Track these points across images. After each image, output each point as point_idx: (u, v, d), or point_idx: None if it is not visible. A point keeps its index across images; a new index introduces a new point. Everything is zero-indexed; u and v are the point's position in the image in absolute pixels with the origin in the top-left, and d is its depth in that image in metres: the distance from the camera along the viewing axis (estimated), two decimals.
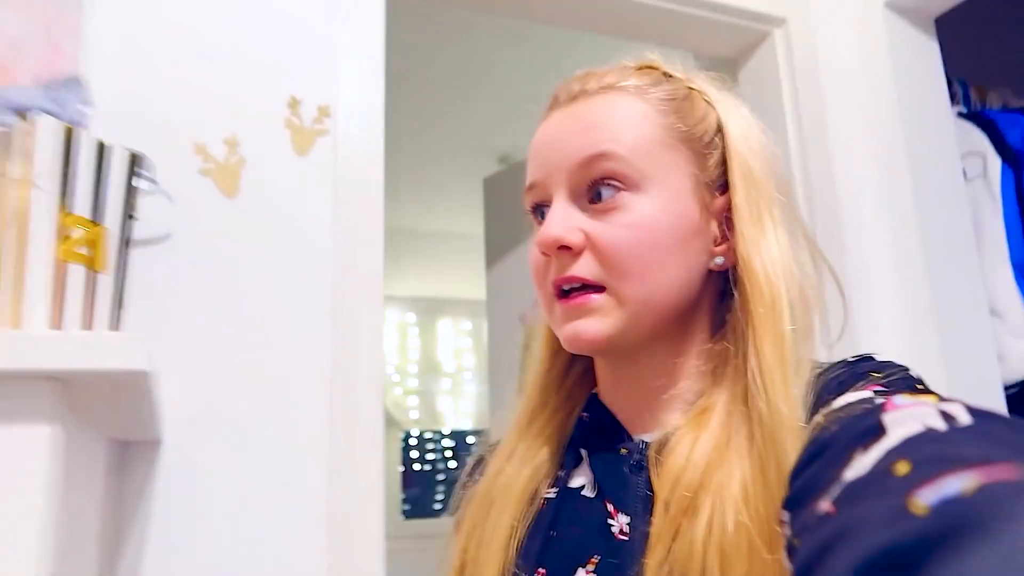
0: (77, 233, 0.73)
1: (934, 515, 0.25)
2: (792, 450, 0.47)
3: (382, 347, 1.23)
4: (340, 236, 1.22)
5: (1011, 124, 1.56)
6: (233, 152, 1.21)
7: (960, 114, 1.66)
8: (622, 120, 0.56)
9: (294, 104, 1.26)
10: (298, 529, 1.11)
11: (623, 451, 0.59)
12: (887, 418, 0.37)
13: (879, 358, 0.52)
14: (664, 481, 0.52)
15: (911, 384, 0.47)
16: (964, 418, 0.34)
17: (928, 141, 1.53)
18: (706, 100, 0.59)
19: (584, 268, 0.55)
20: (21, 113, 0.79)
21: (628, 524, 0.56)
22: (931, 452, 0.31)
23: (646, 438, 0.58)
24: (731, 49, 1.69)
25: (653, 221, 0.54)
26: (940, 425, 0.34)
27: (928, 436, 0.33)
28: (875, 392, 0.45)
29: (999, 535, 0.22)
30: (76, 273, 0.72)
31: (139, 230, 0.84)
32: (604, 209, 0.55)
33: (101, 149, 0.76)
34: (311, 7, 1.30)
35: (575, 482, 0.61)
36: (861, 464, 0.34)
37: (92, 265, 0.74)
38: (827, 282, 0.59)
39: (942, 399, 0.38)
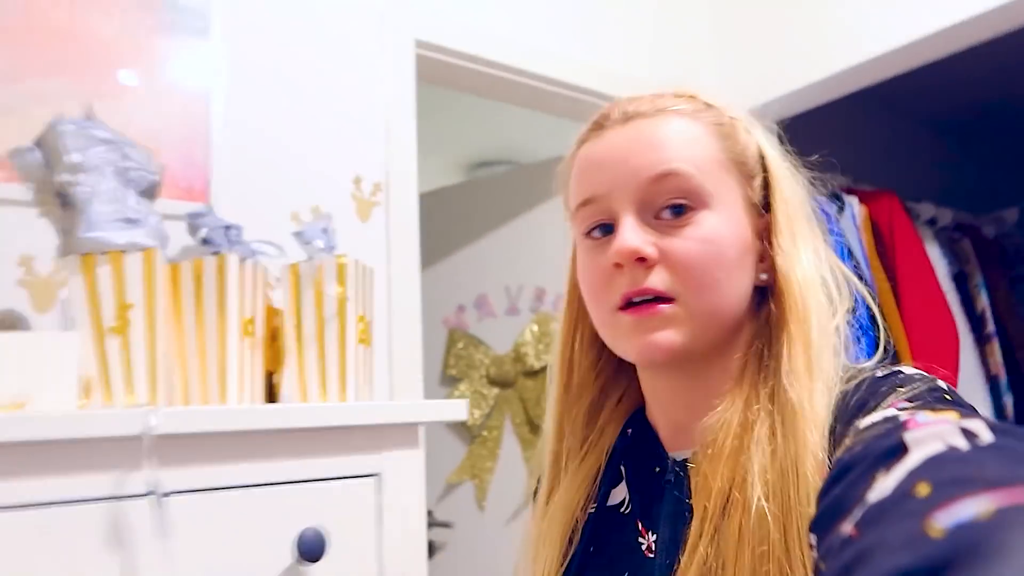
0: (360, 326, 1.18)
1: (949, 539, 0.25)
2: (812, 443, 0.49)
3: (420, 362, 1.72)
4: (392, 280, 1.68)
5: None
6: (317, 218, 1.60)
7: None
8: (685, 140, 0.58)
9: (357, 181, 1.67)
10: None
11: (657, 470, 0.61)
12: (909, 437, 0.36)
13: (907, 371, 0.51)
14: (698, 492, 0.54)
15: (938, 397, 0.47)
16: (986, 436, 0.34)
17: None
18: (746, 128, 0.62)
19: (658, 280, 0.56)
20: (305, 242, 1.18)
21: (655, 542, 0.58)
22: (952, 473, 0.31)
23: (680, 456, 0.60)
24: None
25: (721, 236, 0.56)
26: (962, 444, 0.34)
27: (949, 456, 0.33)
28: (899, 409, 0.44)
29: (1010, 562, 0.22)
30: (362, 351, 1.17)
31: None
32: (676, 224, 0.56)
33: (364, 269, 1.20)
34: (368, 110, 1.70)
35: (614, 499, 0.63)
36: (884, 486, 0.34)
37: (366, 343, 1.19)
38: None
39: (964, 415, 0.38)
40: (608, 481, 0.64)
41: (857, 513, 0.34)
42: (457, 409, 1.05)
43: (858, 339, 2.24)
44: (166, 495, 0.77)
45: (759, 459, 0.51)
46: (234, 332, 1.02)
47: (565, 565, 0.62)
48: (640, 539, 0.59)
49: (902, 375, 0.51)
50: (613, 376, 0.68)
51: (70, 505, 0.76)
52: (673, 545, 0.54)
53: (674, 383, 0.61)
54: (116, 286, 0.97)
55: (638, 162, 0.57)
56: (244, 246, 1.15)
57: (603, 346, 0.65)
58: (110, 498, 0.77)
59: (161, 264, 0.99)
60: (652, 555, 0.57)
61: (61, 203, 0.98)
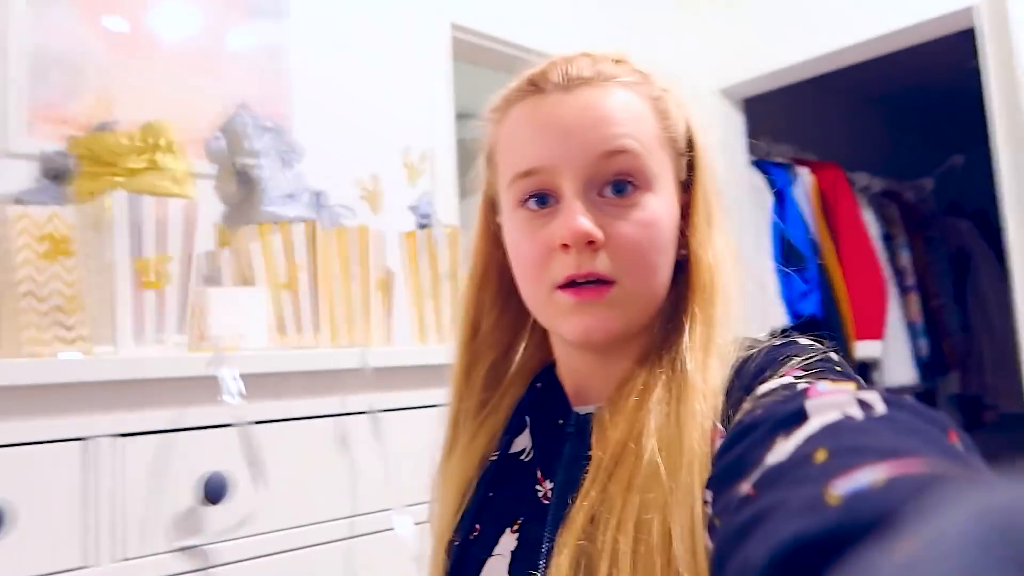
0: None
1: (845, 506, 0.27)
2: (700, 413, 0.51)
3: None
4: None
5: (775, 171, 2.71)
6: (376, 185, 1.83)
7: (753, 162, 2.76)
8: (634, 116, 0.56)
9: (407, 151, 1.90)
10: None
11: (560, 422, 0.61)
12: (809, 404, 0.37)
13: (802, 341, 0.52)
14: (598, 446, 0.55)
15: (830, 367, 0.48)
16: (880, 407, 0.36)
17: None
18: (677, 103, 0.60)
19: (603, 264, 0.54)
20: (421, 214, 1.42)
21: (552, 490, 0.58)
22: (848, 441, 0.32)
23: (584, 410, 0.60)
24: None
25: (660, 220, 0.55)
26: (858, 414, 0.35)
27: (846, 425, 0.35)
28: (795, 377, 0.46)
29: (896, 529, 0.23)
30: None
31: None
32: (620, 205, 0.55)
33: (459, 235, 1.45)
34: (416, 86, 1.92)
35: (516, 447, 0.63)
36: (783, 449, 0.35)
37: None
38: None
39: (860, 387, 0.39)
40: (512, 430, 0.64)
41: (756, 474, 0.35)
42: None
43: (806, 294, 2.64)
44: (380, 412, 1.03)
45: (656, 417, 0.52)
46: (372, 286, 1.26)
47: (464, 508, 0.63)
48: (537, 486, 0.59)
49: (797, 345, 0.51)
50: (516, 339, 0.67)
51: (310, 420, 1.01)
52: (568, 491, 0.54)
53: (586, 355, 0.61)
54: (286, 250, 1.20)
55: (588, 137, 0.54)
56: (330, 210, 1.36)
57: (506, 308, 0.65)
58: (338, 415, 1.03)
59: (322, 229, 1.22)
60: (547, 501, 0.58)
61: (239, 181, 1.19)
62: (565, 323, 0.56)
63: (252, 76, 1.63)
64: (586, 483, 0.53)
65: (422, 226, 1.39)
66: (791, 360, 0.49)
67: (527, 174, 0.56)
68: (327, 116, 1.74)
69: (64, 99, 1.36)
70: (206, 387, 0.90)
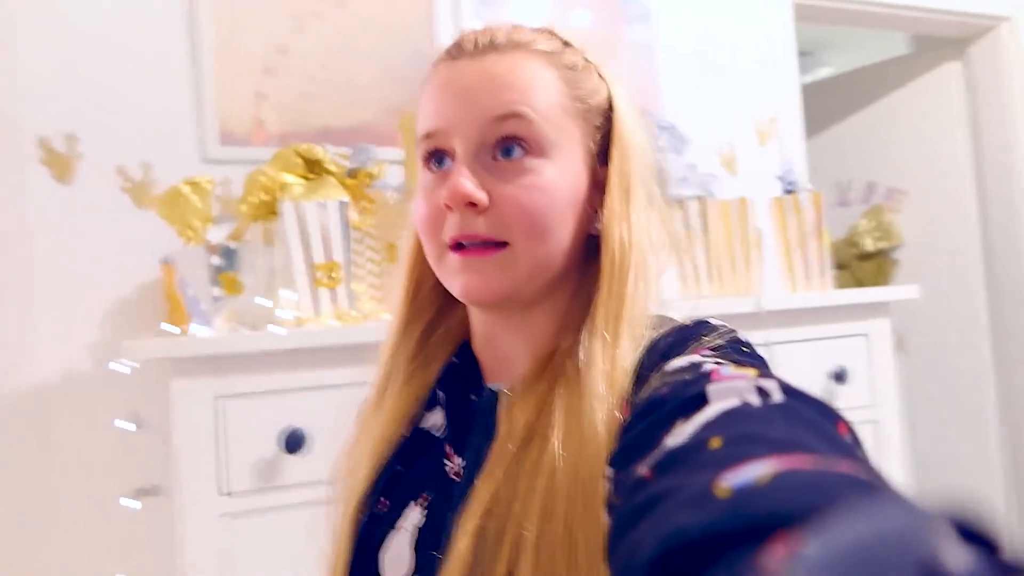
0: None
1: (731, 502, 0.27)
2: (601, 395, 0.51)
3: None
4: None
5: None
6: (732, 150, 2.13)
7: None
8: (534, 84, 0.56)
9: (757, 118, 2.16)
10: None
11: (473, 397, 0.61)
12: (711, 388, 0.38)
13: (713, 322, 0.53)
14: (504, 427, 0.55)
15: (737, 348, 0.50)
16: (777, 395, 0.37)
17: None
18: (599, 74, 0.60)
19: (486, 226, 0.55)
20: (787, 181, 1.70)
21: (463, 467, 0.59)
22: (742, 429, 0.33)
23: (496, 387, 0.60)
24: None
25: (554, 186, 0.55)
26: (755, 401, 0.36)
27: (743, 411, 0.35)
28: (702, 356, 0.46)
29: (775, 539, 0.23)
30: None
31: None
32: (510, 169, 0.55)
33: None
34: (762, 58, 2.17)
35: (428, 422, 0.64)
36: (681, 432, 0.36)
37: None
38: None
39: (762, 373, 0.40)
40: (427, 405, 0.64)
41: (654, 456, 0.36)
42: (908, 291, 1.56)
43: None
44: (772, 344, 1.37)
45: (563, 401, 0.53)
46: (750, 245, 1.59)
47: (372, 482, 0.63)
48: (447, 462, 0.60)
49: (708, 326, 0.52)
50: (447, 304, 0.67)
51: None
52: (477, 469, 0.55)
53: (499, 322, 0.62)
54: (684, 221, 1.57)
55: (482, 100, 0.55)
56: (700, 177, 1.68)
57: None
58: None
59: (710, 203, 1.57)
60: (457, 479, 0.58)
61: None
62: (454, 281, 0.57)
63: (628, 74, 2.01)
64: (490, 464, 0.54)
65: (788, 191, 1.67)
66: (700, 340, 0.50)
67: (427, 136, 0.58)
68: (688, 98, 2.07)
69: None
70: None
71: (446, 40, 1.75)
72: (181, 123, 1.62)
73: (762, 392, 0.37)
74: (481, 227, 0.55)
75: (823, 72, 3.71)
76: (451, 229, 0.56)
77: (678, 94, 2.05)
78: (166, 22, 1.63)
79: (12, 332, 1.46)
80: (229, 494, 1.04)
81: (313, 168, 1.32)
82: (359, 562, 0.60)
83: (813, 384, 1.44)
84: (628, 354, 0.53)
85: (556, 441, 0.51)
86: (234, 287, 1.23)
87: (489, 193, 0.55)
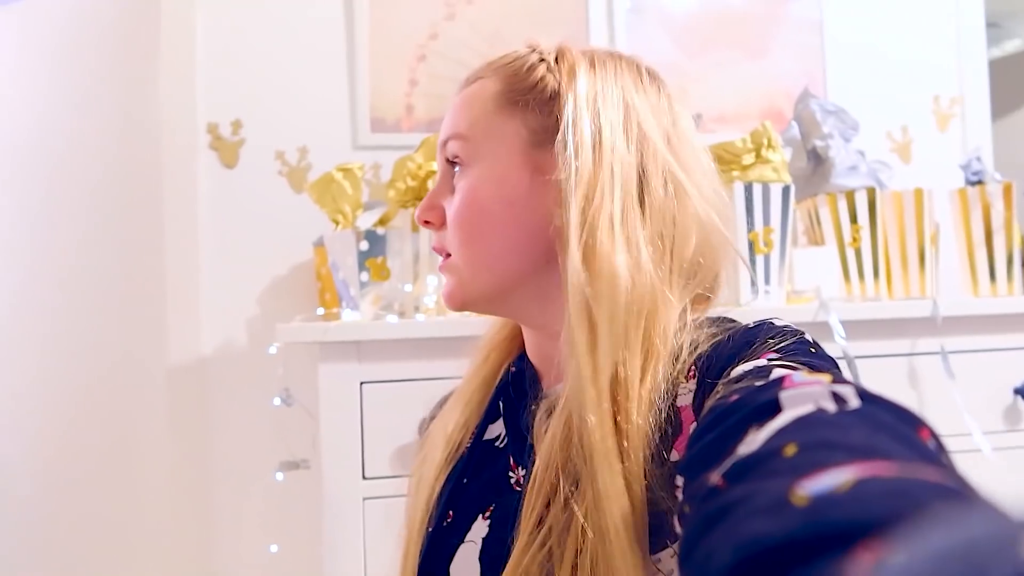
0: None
1: (810, 510, 0.26)
2: (614, 421, 0.49)
3: None
4: None
5: None
6: (906, 135, 1.94)
7: None
8: (469, 101, 0.60)
9: (936, 99, 1.95)
10: None
11: (533, 407, 0.60)
12: (783, 395, 0.37)
13: (777, 323, 0.51)
14: (539, 448, 0.54)
15: (805, 349, 0.47)
16: (853, 401, 0.35)
17: None
18: (548, 68, 0.58)
19: (440, 240, 0.62)
20: (972, 172, 1.53)
21: (523, 476, 0.58)
22: (818, 436, 0.32)
23: (552, 395, 0.59)
24: None
25: (477, 192, 0.57)
26: (831, 407, 0.35)
27: (818, 418, 0.34)
28: (768, 360, 0.45)
29: (858, 548, 0.23)
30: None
31: None
32: (456, 187, 0.59)
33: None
34: (944, 32, 1.95)
35: (490, 433, 0.64)
36: (754, 440, 0.35)
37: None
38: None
39: (836, 378, 0.39)
40: (487, 416, 0.65)
41: (726, 464, 0.35)
42: None
43: None
44: (949, 353, 1.23)
45: (582, 440, 0.50)
46: (926, 241, 1.43)
47: (437, 495, 0.63)
48: (510, 472, 0.60)
49: (772, 327, 0.50)
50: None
51: (884, 359, 1.25)
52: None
53: (527, 327, 0.64)
54: (850, 214, 1.44)
55: (443, 130, 0.61)
56: (868, 165, 1.52)
57: None
58: (908, 355, 1.26)
59: (880, 194, 1.43)
60: (519, 488, 0.57)
61: (812, 160, 1.46)
62: None
63: (790, 52, 1.87)
64: (533, 478, 0.52)
65: (972, 182, 1.50)
66: (767, 342, 0.48)
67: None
68: (856, 78, 1.90)
69: None
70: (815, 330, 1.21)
71: (598, 25, 1.69)
72: (336, 110, 1.67)
73: (838, 398, 0.36)
74: (438, 241, 0.62)
75: (1012, 45, 3.33)
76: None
77: (846, 74, 1.89)
78: (326, 12, 1.68)
79: (181, 308, 1.57)
80: (371, 478, 1.05)
81: None
82: (429, 574, 0.61)
83: (996, 401, 1.28)
84: (627, 375, 0.50)
85: (580, 470, 0.50)
86: (380, 273, 1.25)
87: (446, 212, 0.61)
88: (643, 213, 0.54)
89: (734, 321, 0.56)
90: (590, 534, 0.47)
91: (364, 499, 1.05)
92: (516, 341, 0.68)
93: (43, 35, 1.64)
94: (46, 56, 1.64)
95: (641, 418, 0.49)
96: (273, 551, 1.47)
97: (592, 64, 0.58)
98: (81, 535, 1.57)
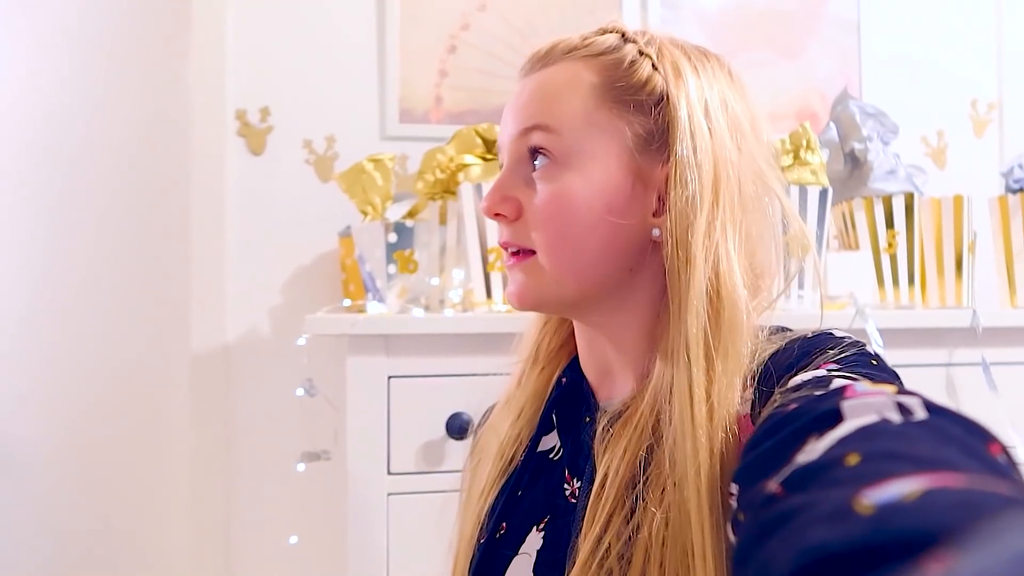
0: None
1: (876, 519, 0.25)
2: (709, 444, 0.47)
3: None
4: None
5: None
6: (941, 140, 1.90)
7: None
8: (563, 92, 0.55)
9: (974, 105, 1.91)
10: None
11: (587, 419, 0.60)
12: (846, 405, 0.36)
13: (837, 333, 0.50)
14: (602, 460, 0.53)
15: (866, 360, 0.46)
16: (920, 413, 0.34)
17: None
18: (654, 65, 0.55)
19: (515, 235, 0.57)
20: (1014, 179, 1.49)
21: (579, 488, 0.57)
22: (883, 446, 0.31)
23: (608, 407, 0.58)
24: None
25: (574, 195, 0.54)
26: (895, 417, 0.34)
27: (882, 428, 0.33)
28: (828, 371, 0.44)
29: (929, 556, 0.22)
30: None
31: None
32: (539, 178, 0.56)
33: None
34: (984, 35, 1.91)
35: (545, 445, 0.63)
36: (814, 449, 0.34)
37: None
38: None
39: (901, 389, 0.38)
40: (540, 428, 0.63)
41: (785, 472, 0.34)
42: None
43: None
44: (990, 364, 1.20)
45: (661, 429, 0.51)
46: (964, 249, 1.40)
47: (491, 506, 0.63)
48: (565, 485, 0.59)
49: (832, 337, 0.50)
50: (561, 320, 0.68)
51: (920, 368, 1.23)
52: (591, 492, 0.53)
53: (584, 335, 0.61)
54: (887, 219, 1.41)
55: (519, 115, 0.57)
56: (904, 169, 1.49)
57: None
58: (946, 364, 1.23)
59: (918, 200, 1.40)
60: (575, 500, 0.57)
61: (849, 163, 1.43)
62: (507, 287, 0.59)
63: (826, 52, 1.84)
64: (598, 488, 0.52)
65: (1014, 190, 1.46)
66: (826, 352, 0.47)
67: (498, 147, 0.62)
68: (892, 78, 1.87)
69: None
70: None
71: (631, 19, 1.67)
72: (365, 100, 1.65)
73: (903, 409, 0.35)
74: (513, 235, 0.57)
75: None
76: (497, 234, 0.60)
77: (881, 76, 1.86)
78: (357, 1, 1.66)
79: (207, 294, 1.56)
80: (395, 473, 1.04)
81: (492, 149, 1.29)
82: None
83: None
84: (718, 383, 0.49)
85: (654, 482, 0.49)
86: (408, 265, 1.23)
87: (522, 204, 0.56)
88: (743, 225, 0.54)
89: (792, 331, 0.54)
90: (667, 547, 0.47)
91: (388, 494, 1.03)
92: (566, 351, 0.66)
93: (71, 21, 1.64)
94: (74, 44, 1.64)
95: (721, 430, 0.48)
96: (293, 542, 1.46)
97: (691, 62, 0.56)
98: (102, 521, 1.57)
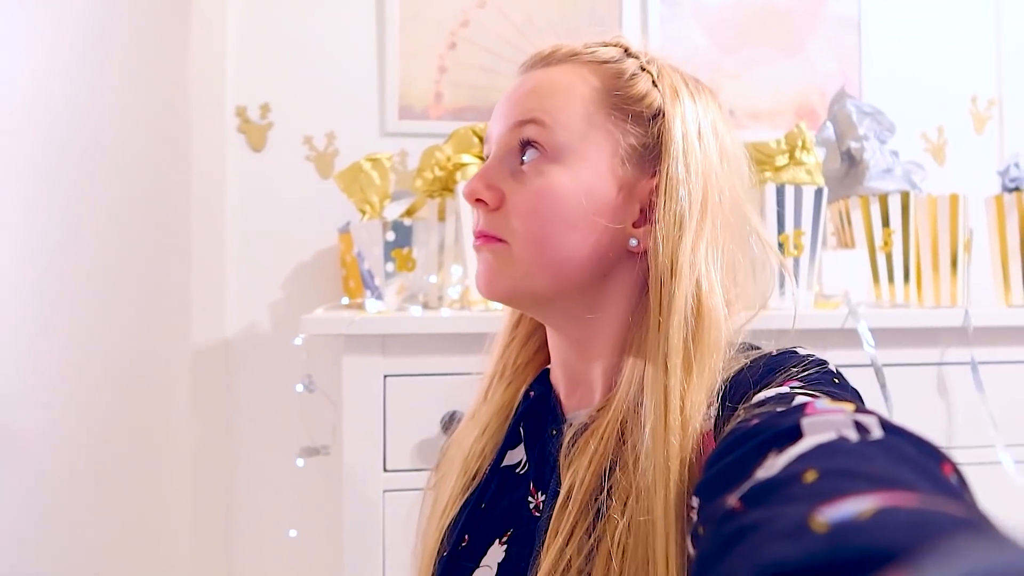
0: None
1: (830, 535, 0.26)
2: (673, 447, 0.48)
3: None
4: None
5: None
6: (940, 136, 1.90)
7: None
8: (561, 91, 0.56)
9: (974, 99, 1.91)
10: None
11: (553, 432, 0.60)
12: (805, 422, 0.37)
13: (801, 351, 0.51)
14: (566, 473, 0.53)
15: (829, 379, 0.47)
16: (876, 431, 0.35)
17: None
18: (654, 82, 0.57)
19: (493, 224, 0.57)
20: (1010, 178, 1.50)
21: (543, 503, 0.57)
22: (839, 464, 0.32)
23: (574, 419, 0.59)
24: None
25: (561, 192, 0.54)
26: (853, 436, 0.35)
27: (839, 446, 0.34)
28: (791, 388, 0.45)
29: (878, 566, 0.23)
30: None
31: None
32: (525, 172, 0.56)
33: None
34: (982, 32, 1.91)
35: (511, 459, 0.63)
36: (773, 465, 0.34)
37: None
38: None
39: (860, 408, 0.38)
40: (507, 442, 0.63)
41: (744, 487, 0.34)
42: None
43: None
44: (979, 364, 1.21)
45: (629, 439, 0.51)
46: (959, 248, 1.41)
47: (453, 520, 0.63)
48: (530, 498, 0.59)
49: (796, 356, 0.50)
50: (531, 332, 0.69)
51: (912, 367, 1.23)
52: (554, 505, 0.54)
53: (555, 341, 0.62)
54: (883, 218, 1.41)
55: (513, 109, 0.57)
56: (902, 167, 1.49)
57: None
58: (937, 364, 1.24)
59: (914, 198, 1.40)
60: (538, 514, 0.57)
61: (846, 162, 1.44)
62: (477, 271, 0.59)
63: (826, 49, 1.84)
64: (563, 501, 0.52)
65: (1010, 189, 1.47)
66: (789, 371, 0.48)
67: (484, 142, 0.61)
68: (892, 75, 1.87)
69: None
70: (843, 336, 1.20)
71: (631, 15, 1.67)
72: (365, 96, 1.66)
73: (860, 427, 0.35)
74: (491, 225, 0.57)
75: None
76: (473, 222, 0.59)
77: (882, 72, 1.86)
78: None
79: (207, 289, 1.58)
80: (392, 471, 1.06)
81: None
82: None
83: None
84: (691, 394, 0.50)
85: (617, 492, 0.49)
86: (406, 264, 1.24)
87: (505, 195, 0.56)
88: (726, 245, 0.55)
89: (757, 348, 0.55)
90: (628, 558, 0.47)
91: (384, 492, 1.05)
92: (533, 366, 0.68)
93: (70, 17, 1.64)
94: (74, 38, 1.64)
95: (692, 443, 0.49)
96: (292, 535, 1.48)
97: (688, 88, 0.57)
98: (102, 515, 1.59)
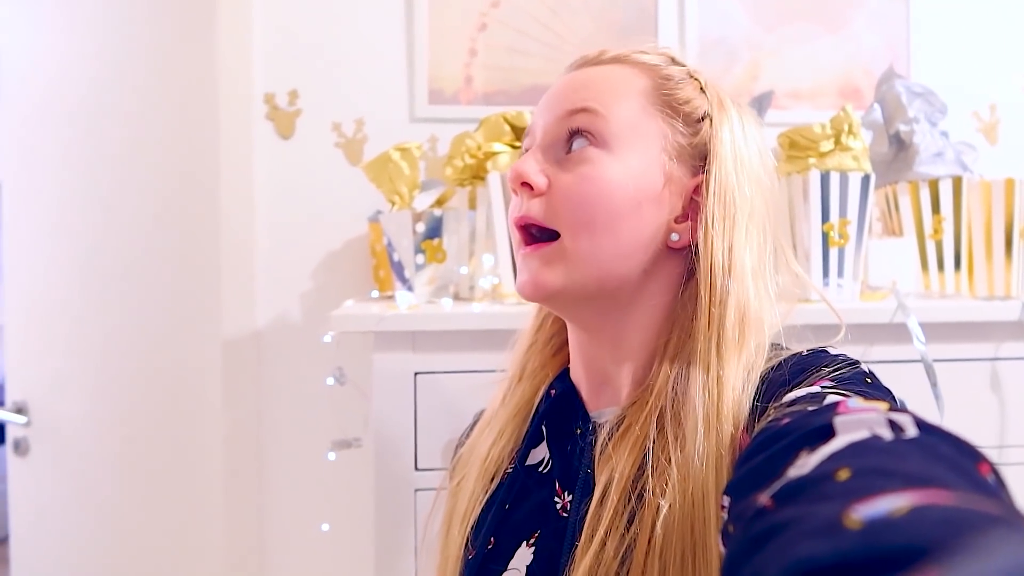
0: None
1: (863, 533, 0.26)
2: (721, 453, 0.48)
3: None
4: None
5: None
6: (993, 114, 1.81)
7: None
8: (613, 85, 0.56)
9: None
10: None
11: (577, 431, 0.60)
12: (838, 420, 0.36)
13: (832, 351, 0.51)
14: (603, 469, 0.53)
15: (860, 378, 0.47)
16: (911, 430, 0.34)
17: None
18: (701, 88, 0.58)
19: (538, 209, 0.56)
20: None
21: (570, 502, 0.57)
22: (873, 462, 0.32)
23: (600, 418, 0.58)
24: None
25: (610, 179, 0.54)
26: (887, 434, 0.34)
27: (873, 444, 0.34)
28: (823, 388, 0.45)
29: (912, 563, 0.23)
30: None
31: None
32: (574, 159, 0.55)
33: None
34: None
35: (534, 458, 0.62)
36: (805, 463, 0.34)
37: None
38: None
39: (893, 407, 0.38)
40: (529, 441, 0.63)
41: (775, 486, 0.34)
42: None
43: None
44: None
45: (664, 437, 0.51)
46: (1015, 236, 1.34)
47: (478, 521, 0.62)
48: (556, 498, 0.59)
49: (827, 355, 0.50)
50: (553, 333, 0.69)
51: (964, 362, 1.18)
52: (584, 505, 0.54)
53: (581, 342, 0.61)
54: (933, 205, 1.35)
55: (560, 100, 0.58)
56: (953, 148, 1.42)
57: None
58: (991, 359, 1.18)
59: (967, 183, 1.34)
60: (566, 514, 0.57)
61: (894, 145, 1.37)
62: (518, 277, 0.58)
63: (872, 25, 1.76)
64: (599, 498, 0.52)
65: None
66: (821, 370, 0.48)
67: (526, 134, 0.62)
68: (942, 51, 1.78)
69: (723, 72, 1.70)
70: (890, 331, 1.15)
71: None
72: (394, 81, 1.63)
73: (894, 426, 0.35)
74: (535, 210, 0.56)
75: None
76: (514, 210, 0.57)
77: (931, 48, 1.77)
78: None
79: (237, 279, 1.57)
80: (423, 469, 1.04)
81: (521, 136, 1.26)
82: None
83: None
84: (736, 385, 0.51)
85: (659, 482, 0.49)
86: (436, 255, 1.22)
87: (551, 181, 0.56)
88: (768, 251, 0.57)
89: (787, 348, 0.56)
90: (668, 550, 0.48)
91: (416, 491, 1.03)
92: (549, 369, 0.67)
93: (96, 5, 1.63)
94: (103, 26, 1.63)
95: (727, 442, 0.50)
96: (325, 529, 1.48)
97: (733, 101, 0.59)
98: (134, 507, 1.60)
